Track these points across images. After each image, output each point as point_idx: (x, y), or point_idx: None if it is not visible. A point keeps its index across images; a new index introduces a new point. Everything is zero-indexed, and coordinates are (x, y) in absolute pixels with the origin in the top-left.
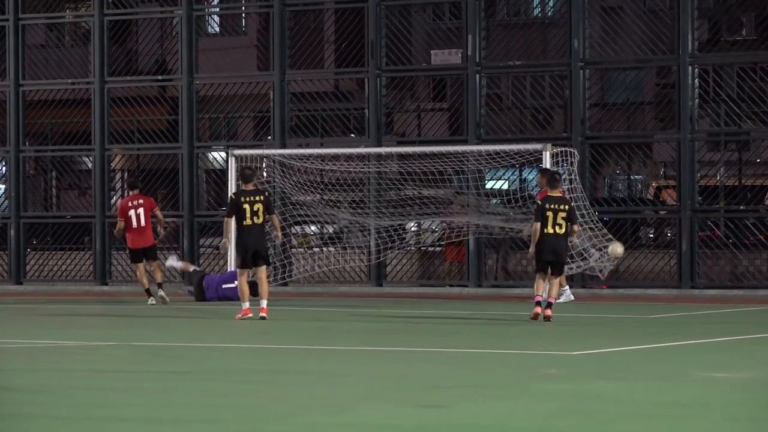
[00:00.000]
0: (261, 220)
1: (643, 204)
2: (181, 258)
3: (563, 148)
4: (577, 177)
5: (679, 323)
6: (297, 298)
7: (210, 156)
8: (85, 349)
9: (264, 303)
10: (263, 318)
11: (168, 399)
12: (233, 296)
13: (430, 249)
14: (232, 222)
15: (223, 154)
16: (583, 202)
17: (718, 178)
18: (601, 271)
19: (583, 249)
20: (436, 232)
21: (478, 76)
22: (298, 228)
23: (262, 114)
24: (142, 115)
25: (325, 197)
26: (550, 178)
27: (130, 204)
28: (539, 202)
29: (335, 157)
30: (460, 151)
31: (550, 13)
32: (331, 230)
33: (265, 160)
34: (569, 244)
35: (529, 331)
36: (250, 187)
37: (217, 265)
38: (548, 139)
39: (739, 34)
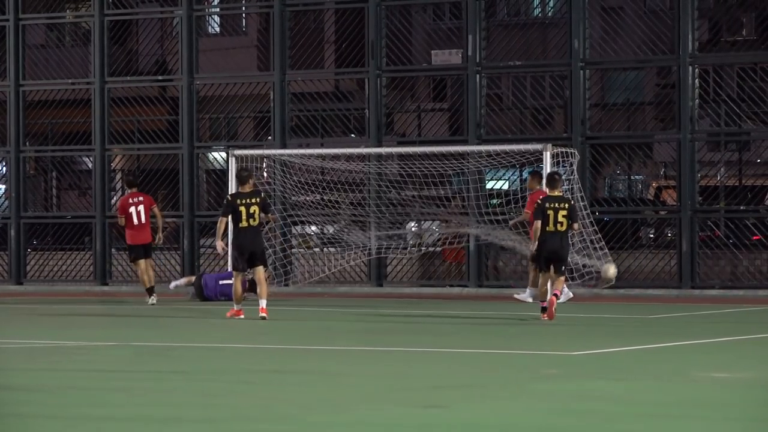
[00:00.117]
0: (257, 222)
1: (644, 204)
2: (181, 274)
3: (563, 149)
4: (576, 177)
5: (679, 323)
6: (297, 298)
7: (210, 156)
8: (85, 349)
9: (263, 303)
10: (263, 318)
11: (168, 399)
12: (231, 291)
13: (430, 249)
14: (226, 222)
15: (224, 155)
16: (580, 203)
17: (719, 178)
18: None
19: (581, 264)
20: (437, 231)
21: (478, 76)
22: (298, 228)
23: (263, 114)
24: (143, 116)
25: (325, 197)
26: (549, 177)
27: (130, 201)
28: (539, 201)
29: (335, 157)
30: (461, 151)
31: (550, 14)
32: (331, 230)
33: (265, 160)
34: (570, 243)
35: (530, 331)
36: (247, 188)
37: (217, 266)
38: (548, 140)
39: (739, 34)
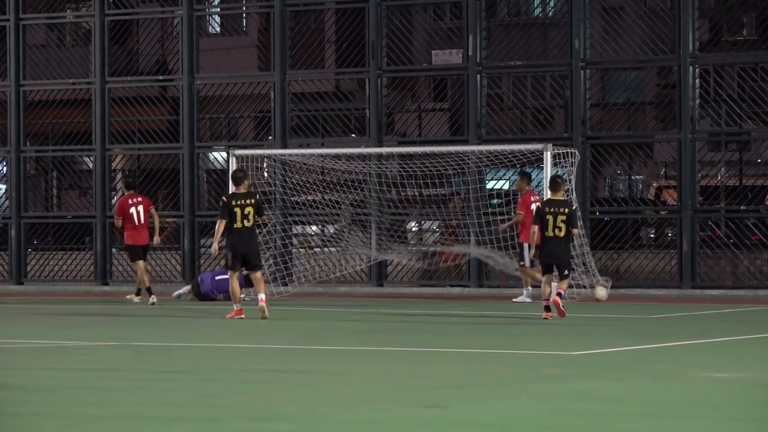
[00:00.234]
0: (251, 223)
1: (644, 204)
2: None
3: (564, 149)
4: (571, 179)
5: (679, 323)
6: (297, 298)
7: (211, 156)
8: (85, 349)
9: (262, 295)
10: (263, 310)
11: (168, 398)
12: (227, 286)
13: (430, 249)
14: (225, 224)
15: (224, 155)
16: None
17: (719, 178)
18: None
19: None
20: (437, 231)
21: (478, 76)
22: (298, 228)
23: (263, 114)
24: (143, 115)
25: (326, 197)
26: (552, 181)
27: (130, 202)
28: (539, 205)
29: (336, 157)
30: (461, 151)
31: (550, 13)
32: (331, 230)
33: (266, 160)
34: (570, 246)
35: (530, 331)
36: (242, 189)
37: (217, 266)
38: (549, 139)
39: (739, 34)
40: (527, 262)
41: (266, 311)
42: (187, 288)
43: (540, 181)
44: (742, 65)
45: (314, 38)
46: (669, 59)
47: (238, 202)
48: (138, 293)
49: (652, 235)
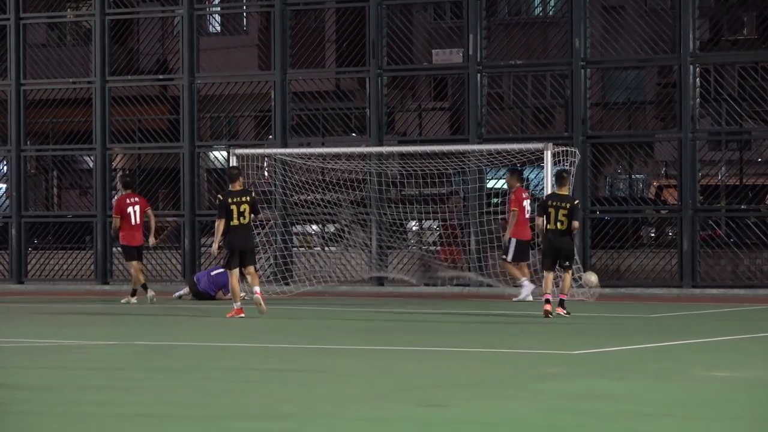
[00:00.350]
0: (247, 220)
1: (645, 203)
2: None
3: (564, 148)
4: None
5: (680, 322)
6: (297, 297)
7: (211, 155)
8: (85, 348)
9: (257, 288)
10: (259, 303)
11: (169, 397)
12: (225, 281)
13: (431, 249)
14: (224, 222)
15: (225, 154)
16: None
17: (720, 177)
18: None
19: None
20: (437, 231)
21: (479, 75)
22: (299, 228)
23: (263, 113)
24: (144, 115)
25: (326, 196)
26: (557, 175)
27: (128, 201)
28: (543, 198)
29: (336, 157)
30: (461, 150)
31: (551, 13)
32: (332, 229)
33: (266, 159)
34: (572, 240)
35: (530, 330)
36: (237, 186)
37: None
38: (549, 139)
39: (740, 33)
40: (510, 257)
41: (263, 303)
42: (187, 288)
43: (540, 181)
44: (742, 64)
45: (315, 37)
46: (669, 58)
47: (234, 200)
48: (133, 294)
49: (653, 235)
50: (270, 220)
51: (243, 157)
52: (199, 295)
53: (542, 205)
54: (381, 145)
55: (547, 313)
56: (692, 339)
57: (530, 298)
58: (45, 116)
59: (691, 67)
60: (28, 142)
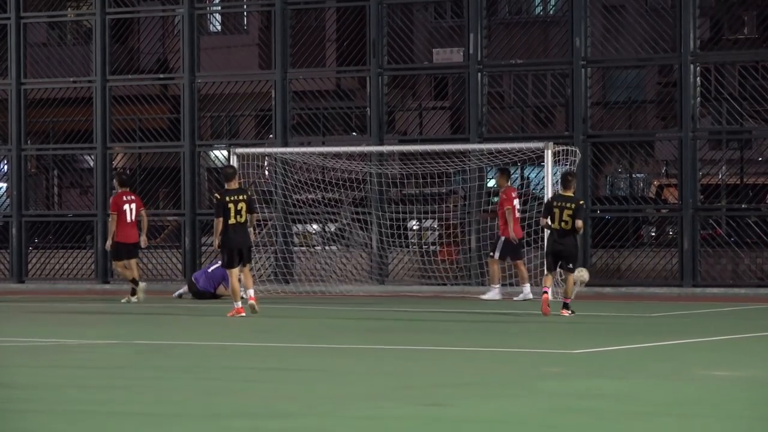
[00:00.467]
0: (244, 218)
1: (645, 202)
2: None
3: (565, 147)
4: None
5: (680, 322)
6: (298, 296)
7: (212, 154)
8: (86, 347)
9: (251, 292)
10: (253, 307)
11: (169, 396)
12: (222, 275)
13: (431, 248)
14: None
15: (225, 153)
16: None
17: (720, 176)
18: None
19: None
20: (437, 230)
21: (479, 74)
22: (299, 227)
23: (264, 112)
24: (144, 114)
25: (326, 196)
26: (562, 178)
27: (124, 199)
28: (548, 199)
29: (337, 156)
30: (462, 149)
31: (551, 12)
32: (332, 229)
33: (266, 158)
34: (576, 241)
35: (531, 329)
36: (233, 185)
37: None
38: (550, 138)
39: (740, 32)
40: (497, 255)
41: (256, 307)
42: (186, 287)
43: (541, 180)
44: (742, 63)
45: (315, 37)
46: (670, 57)
47: (232, 198)
48: (133, 293)
49: (653, 234)
50: (268, 220)
51: (243, 156)
52: (198, 294)
53: (547, 206)
54: (381, 144)
55: (545, 309)
56: (692, 338)
57: (498, 297)
58: (45, 115)
59: (692, 66)
60: (29, 142)
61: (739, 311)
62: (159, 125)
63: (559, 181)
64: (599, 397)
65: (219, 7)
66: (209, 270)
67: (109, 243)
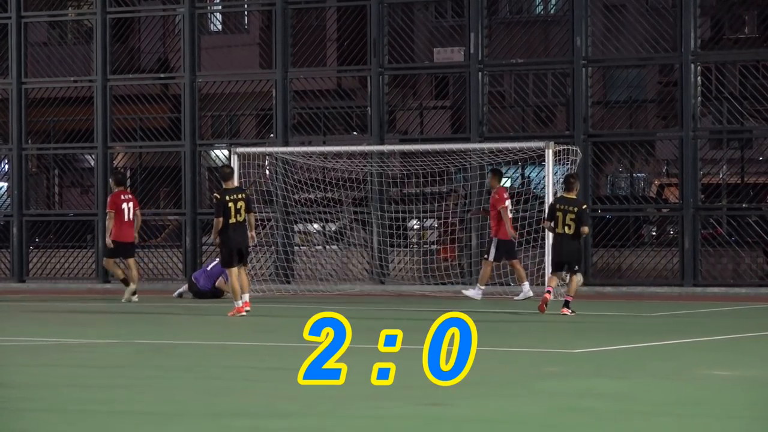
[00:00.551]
0: (243, 217)
1: (646, 202)
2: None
3: (565, 146)
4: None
5: (681, 321)
6: (299, 296)
7: (212, 154)
8: (87, 347)
9: (246, 297)
10: (246, 311)
11: (170, 395)
12: (220, 271)
13: (432, 247)
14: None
15: (226, 152)
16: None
17: (721, 176)
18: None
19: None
20: (437, 229)
21: (480, 73)
22: (300, 226)
23: (265, 112)
24: (145, 113)
25: (327, 195)
26: (565, 180)
27: (122, 197)
28: (551, 202)
29: (337, 155)
30: (463, 149)
31: (552, 11)
32: (333, 228)
33: (267, 158)
34: (581, 244)
35: (531, 329)
36: (230, 185)
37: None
38: (550, 137)
39: (741, 32)
40: (491, 257)
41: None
42: (186, 286)
43: (542, 179)
44: (743, 63)
45: (316, 36)
46: (670, 57)
47: (231, 197)
48: (134, 293)
49: (654, 233)
50: (269, 220)
51: (244, 155)
52: (199, 294)
53: (550, 209)
54: (382, 143)
55: (542, 307)
56: (693, 338)
57: (479, 297)
58: (46, 115)
59: (693, 65)
60: (30, 141)
61: (739, 311)
62: (160, 125)
63: (563, 182)
64: (599, 396)
65: (220, 7)
66: (208, 268)
67: (109, 240)
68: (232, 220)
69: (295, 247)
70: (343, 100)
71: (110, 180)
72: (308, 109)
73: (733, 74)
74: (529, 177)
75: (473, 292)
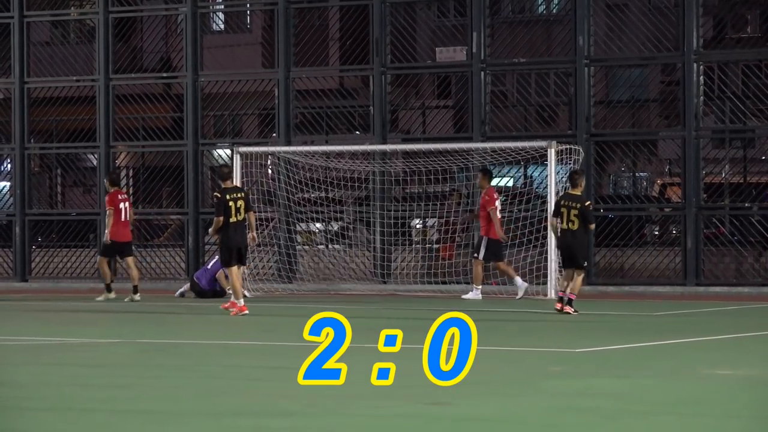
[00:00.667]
0: (242, 216)
1: (648, 201)
2: (185, 272)
3: (568, 146)
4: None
5: (683, 320)
6: (301, 295)
7: (215, 153)
8: (89, 346)
9: (242, 302)
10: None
11: (173, 394)
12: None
13: (433, 247)
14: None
15: (228, 152)
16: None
17: (723, 175)
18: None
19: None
20: (439, 228)
21: (482, 73)
22: (302, 226)
23: (267, 111)
24: (147, 113)
25: (329, 194)
26: (569, 176)
27: (119, 197)
28: (557, 199)
29: (340, 155)
30: (465, 148)
31: (554, 11)
32: (335, 227)
33: (269, 157)
34: (585, 240)
35: (533, 328)
36: (229, 184)
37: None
38: (553, 137)
39: (744, 31)
40: (481, 256)
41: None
42: (188, 285)
43: (544, 179)
44: (746, 62)
45: (318, 35)
46: (673, 56)
47: (231, 196)
48: (135, 291)
49: (657, 233)
50: (271, 220)
51: (246, 155)
52: (201, 293)
53: (556, 206)
54: (385, 143)
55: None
56: (695, 337)
57: (479, 297)
58: (49, 114)
59: (695, 65)
60: (32, 140)
61: (742, 310)
62: (162, 124)
63: (567, 179)
64: (601, 395)
65: (222, 6)
66: (209, 267)
67: (108, 238)
68: (233, 219)
69: (298, 247)
70: (346, 100)
71: (105, 180)
72: (311, 109)
73: (736, 73)
74: (531, 177)
75: (472, 294)
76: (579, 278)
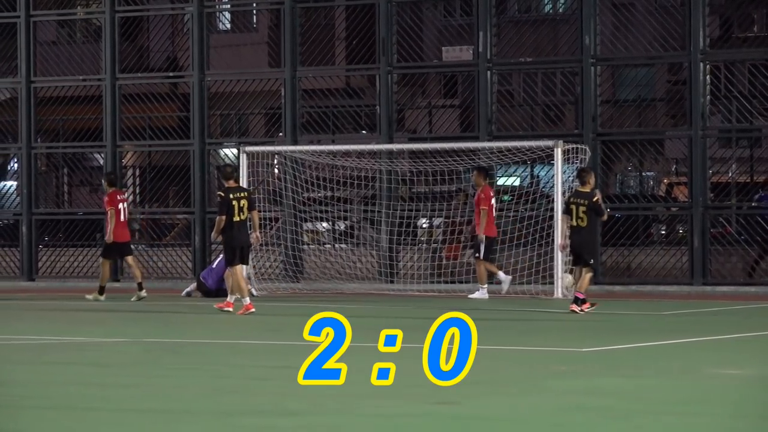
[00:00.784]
0: (246, 216)
1: (655, 201)
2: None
3: (574, 145)
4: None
5: (690, 320)
6: (307, 294)
7: (221, 153)
8: (96, 345)
9: (232, 298)
10: (227, 311)
11: (179, 393)
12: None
13: (439, 246)
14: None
15: (235, 151)
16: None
17: (730, 174)
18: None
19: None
20: (445, 228)
21: (489, 72)
22: (309, 225)
23: (274, 111)
24: (154, 112)
25: (336, 194)
26: (578, 173)
27: (118, 197)
28: (566, 197)
29: (346, 154)
30: (472, 147)
31: (561, 10)
32: (342, 227)
33: (276, 156)
34: (595, 237)
35: (540, 328)
36: (233, 183)
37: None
38: (559, 136)
39: (750, 30)
40: (482, 255)
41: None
42: (195, 285)
43: (551, 178)
44: (752, 61)
45: (324, 35)
46: (679, 56)
47: (235, 196)
48: (140, 287)
49: (663, 232)
50: (278, 219)
51: (253, 154)
52: (208, 293)
53: (566, 204)
54: (391, 142)
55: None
56: (702, 336)
57: (485, 296)
58: (55, 113)
59: (702, 64)
60: (39, 140)
61: (749, 309)
62: (168, 123)
63: (576, 176)
64: (607, 395)
65: (228, 5)
66: (214, 266)
67: (110, 237)
68: (236, 218)
69: (304, 246)
70: (352, 99)
71: (103, 181)
72: (317, 108)
73: (742, 73)
74: (538, 176)
75: (479, 294)
76: (587, 276)
